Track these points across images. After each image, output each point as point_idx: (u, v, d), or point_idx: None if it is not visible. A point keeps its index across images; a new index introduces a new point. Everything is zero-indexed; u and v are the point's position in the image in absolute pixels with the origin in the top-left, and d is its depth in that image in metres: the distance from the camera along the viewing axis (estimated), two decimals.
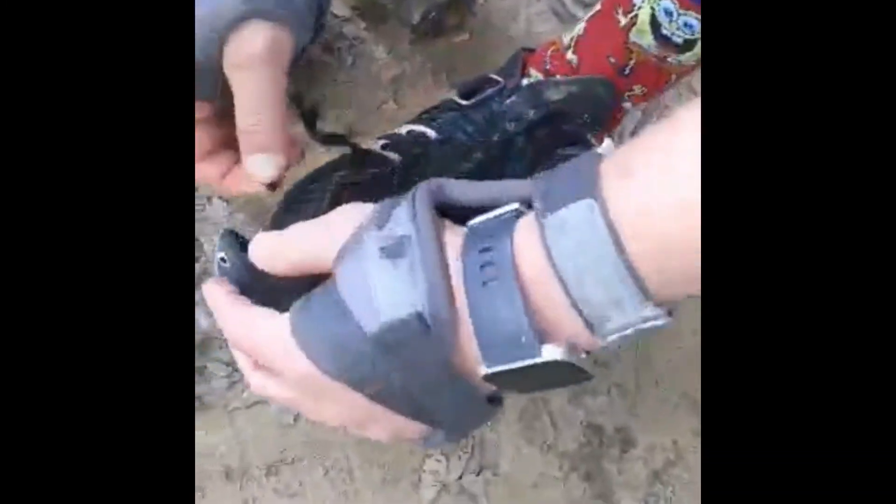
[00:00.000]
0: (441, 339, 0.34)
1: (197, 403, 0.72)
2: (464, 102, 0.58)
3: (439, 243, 0.35)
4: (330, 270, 0.38)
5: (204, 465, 0.70)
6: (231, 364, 0.73)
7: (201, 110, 0.45)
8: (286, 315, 0.38)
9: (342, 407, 0.38)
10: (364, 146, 0.53)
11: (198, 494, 0.70)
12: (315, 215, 0.40)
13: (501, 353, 0.33)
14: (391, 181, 0.50)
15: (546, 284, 0.33)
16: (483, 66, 0.90)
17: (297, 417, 0.73)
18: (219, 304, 0.41)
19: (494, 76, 0.61)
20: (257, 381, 0.41)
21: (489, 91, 0.59)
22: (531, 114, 0.56)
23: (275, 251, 0.40)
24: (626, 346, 0.85)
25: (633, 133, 0.90)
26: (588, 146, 0.59)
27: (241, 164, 0.45)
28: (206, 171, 0.47)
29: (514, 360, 0.33)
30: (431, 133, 0.55)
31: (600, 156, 0.34)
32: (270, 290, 0.40)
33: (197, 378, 0.72)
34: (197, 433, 0.71)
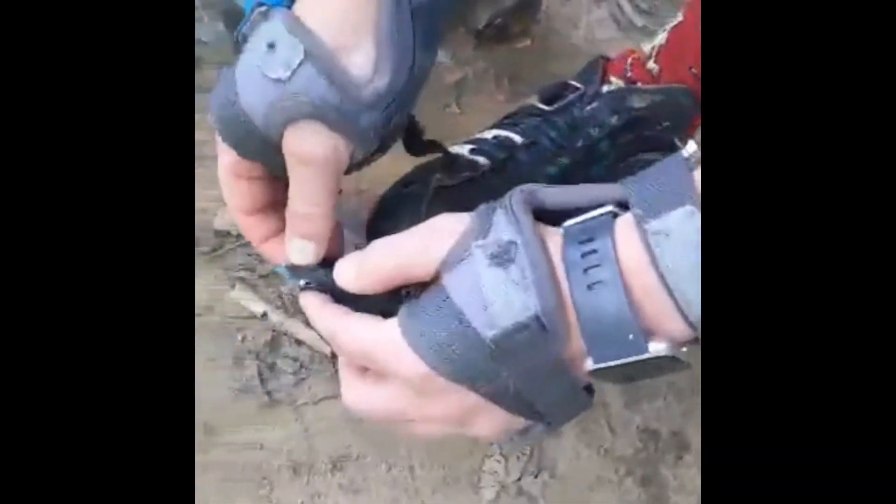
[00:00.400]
0: (555, 339, 0.36)
1: (266, 399, 0.73)
2: (546, 108, 0.59)
3: (543, 246, 0.36)
4: (421, 280, 0.40)
5: (272, 460, 0.72)
6: (299, 360, 0.75)
7: (258, 169, 0.46)
8: (392, 321, 0.39)
9: (451, 405, 0.39)
10: (451, 150, 0.55)
11: (266, 488, 0.71)
12: (413, 218, 0.41)
13: (608, 350, 0.35)
14: (481, 185, 0.52)
15: (648, 284, 0.34)
16: (545, 71, 0.91)
17: None
18: (323, 314, 0.43)
19: (574, 82, 0.62)
20: (358, 394, 0.42)
21: (571, 97, 0.60)
22: (614, 120, 0.57)
23: (364, 270, 0.42)
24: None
25: None
26: (670, 150, 0.60)
27: (284, 235, 0.46)
28: (250, 228, 0.48)
29: (621, 357, 0.35)
30: (517, 138, 0.57)
31: (688, 160, 0.36)
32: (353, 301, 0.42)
33: (267, 374, 0.74)
34: (266, 428, 0.73)
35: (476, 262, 0.36)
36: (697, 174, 0.34)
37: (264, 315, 0.74)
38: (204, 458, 0.71)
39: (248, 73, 0.42)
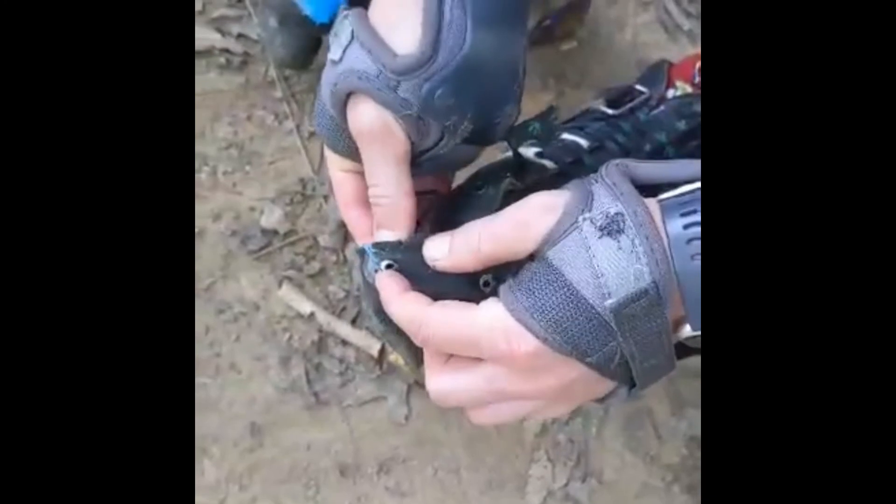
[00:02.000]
0: (667, 306, 0.37)
1: (312, 400, 0.73)
2: (611, 112, 0.59)
3: (650, 216, 0.37)
4: (519, 257, 0.40)
5: (319, 461, 0.71)
6: (345, 361, 0.74)
7: (347, 163, 0.46)
8: (489, 303, 0.39)
9: (555, 378, 0.40)
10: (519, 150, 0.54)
11: (312, 490, 0.71)
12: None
13: None
14: (548, 189, 0.51)
15: None
16: (590, 73, 0.91)
17: (408, 416, 0.74)
18: (406, 300, 0.41)
19: (639, 87, 0.61)
20: (446, 381, 0.42)
21: (637, 101, 0.59)
22: (682, 125, 0.56)
23: (458, 247, 0.41)
24: None
25: None
26: None
27: None
28: (351, 222, 0.48)
29: None
30: (583, 142, 0.56)
31: None
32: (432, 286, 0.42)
33: (313, 375, 0.73)
34: (312, 429, 0.72)
35: (584, 235, 0.37)
36: None
37: (311, 315, 0.74)
38: (251, 458, 0.70)
39: (325, 68, 0.43)
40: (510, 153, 0.50)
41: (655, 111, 0.58)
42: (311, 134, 0.80)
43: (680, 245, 0.36)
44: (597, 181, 0.39)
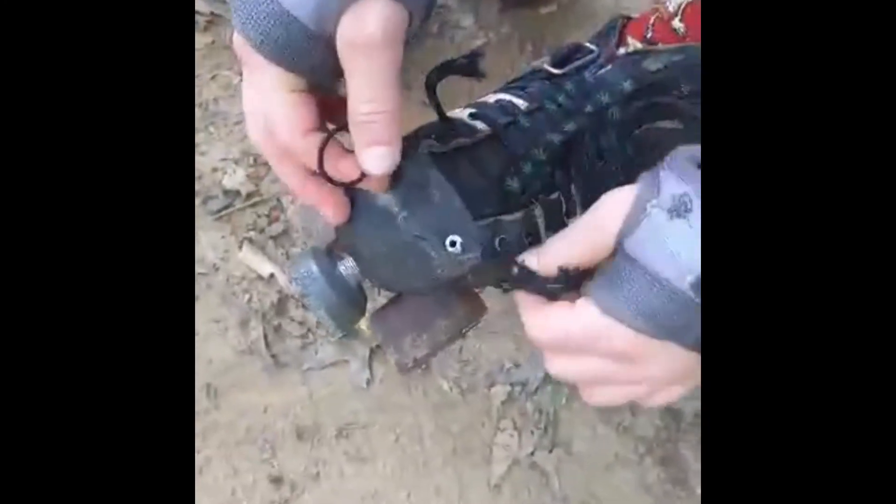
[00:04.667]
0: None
1: (272, 362, 0.71)
2: (555, 71, 0.55)
3: None
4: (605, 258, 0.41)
5: (276, 425, 0.70)
6: (306, 324, 0.73)
7: (302, 83, 0.42)
8: (582, 302, 0.41)
9: (665, 362, 0.41)
10: (450, 114, 0.51)
11: (268, 453, 0.69)
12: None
13: None
14: (478, 151, 0.48)
15: None
16: (570, 37, 0.88)
17: (370, 381, 0.73)
18: (524, 309, 0.44)
19: (588, 44, 0.58)
20: (560, 366, 0.44)
21: (583, 60, 0.56)
22: (627, 85, 0.53)
23: (546, 263, 0.44)
24: None
25: None
26: (686, 121, 0.57)
27: (346, 157, 0.42)
28: (307, 149, 0.42)
29: None
30: (521, 103, 0.52)
31: None
32: None
33: (272, 337, 0.72)
34: (270, 392, 0.71)
35: (655, 220, 0.38)
36: None
37: (272, 276, 0.72)
38: (206, 419, 0.69)
39: None
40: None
41: (602, 71, 0.55)
42: None
43: None
44: (664, 169, 0.40)
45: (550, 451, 0.75)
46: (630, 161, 0.52)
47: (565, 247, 0.43)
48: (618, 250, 0.40)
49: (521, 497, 0.73)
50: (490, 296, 0.79)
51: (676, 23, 0.57)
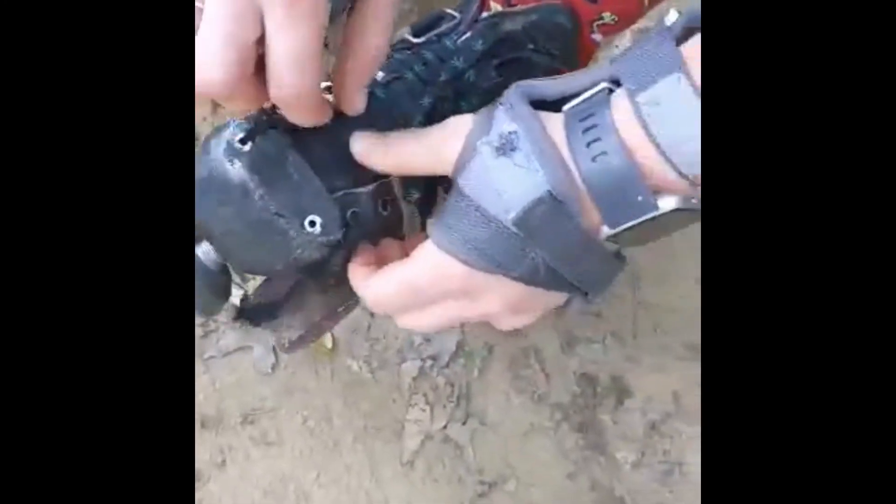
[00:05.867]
0: (570, 210, 0.38)
1: None
2: (415, 40, 0.55)
3: (543, 129, 0.38)
4: (438, 174, 0.42)
5: None
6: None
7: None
8: (418, 248, 0.42)
9: (500, 295, 0.42)
10: None
11: None
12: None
13: (622, 214, 0.38)
14: (334, 125, 0.47)
15: (648, 152, 0.36)
16: None
17: (275, 366, 0.72)
18: (358, 284, 0.45)
19: (451, 11, 0.57)
20: (412, 321, 0.44)
21: (444, 27, 0.55)
22: (478, 45, 0.53)
23: (378, 154, 0.45)
24: (621, 291, 0.82)
25: None
26: (547, 74, 0.56)
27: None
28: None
29: (634, 218, 0.37)
30: (378, 74, 0.52)
31: (670, 29, 0.37)
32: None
33: None
34: None
35: (484, 158, 0.39)
36: (689, 43, 0.36)
37: None
38: None
39: None
40: None
41: (463, 38, 0.54)
42: None
43: (581, 148, 0.37)
44: (498, 105, 0.40)
45: (464, 424, 0.75)
46: None
47: (407, 155, 0.44)
48: (453, 184, 0.41)
49: (436, 471, 0.73)
50: None
51: None
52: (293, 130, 0.46)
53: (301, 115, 0.42)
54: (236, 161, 0.43)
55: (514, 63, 0.55)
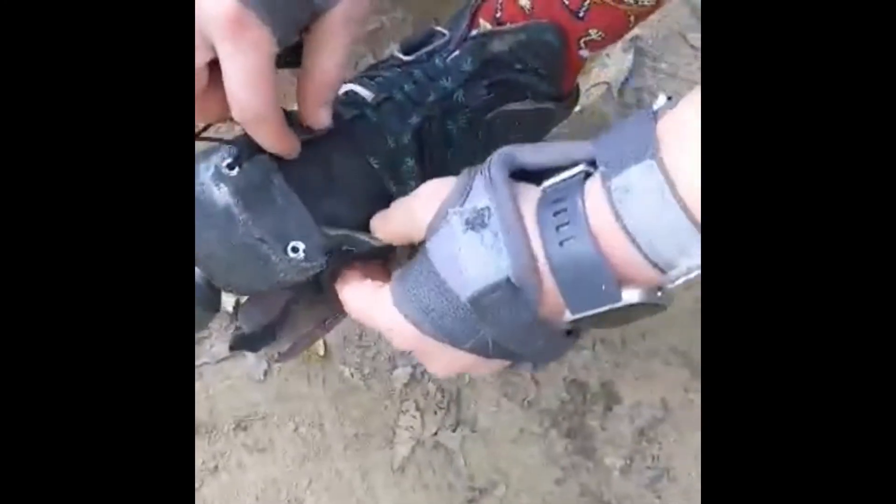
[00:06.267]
0: (528, 297, 0.38)
1: None
2: (405, 58, 0.55)
3: (517, 210, 0.38)
4: (417, 241, 0.43)
5: None
6: None
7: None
8: (384, 291, 0.43)
9: (446, 362, 0.43)
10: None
11: None
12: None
13: (584, 301, 0.37)
14: (323, 149, 0.48)
15: (617, 240, 0.36)
16: None
17: (267, 372, 0.73)
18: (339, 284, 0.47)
19: (441, 29, 0.58)
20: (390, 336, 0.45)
21: (433, 45, 0.56)
22: (466, 65, 0.53)
23: (384, 224, 0.46)
24: None
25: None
26: (539, 99, 0.56)
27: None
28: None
29: (596, 306, 0.37)
30: (366, 93, 0.52)
31: (655, 113, 0.37)
32: None
33: None
34: None
35: (453, 228, 0.39)
36: (660, 124, 0.36)
37: None
38: None
39: None
40: None
41: (452, 56, 0.55)
42: None
43: (550, 233, 0.37)
44: (480, 173, 0.40)
45: (454, 430, 0.75)
46: (484, 148, 0.51)
47: (381, 222, 0.45)
48: (423, 244, 0.42)
49: (426, 477, 0.73)
50: None
51: (523, 0, 0.57)
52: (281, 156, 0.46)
53: (265, 138, 0.43)
54: (222, 185, 0.44)
55: (502, 84, 0.56)
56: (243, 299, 0.69)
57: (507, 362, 0.44)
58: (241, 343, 0.51)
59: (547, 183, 0.40)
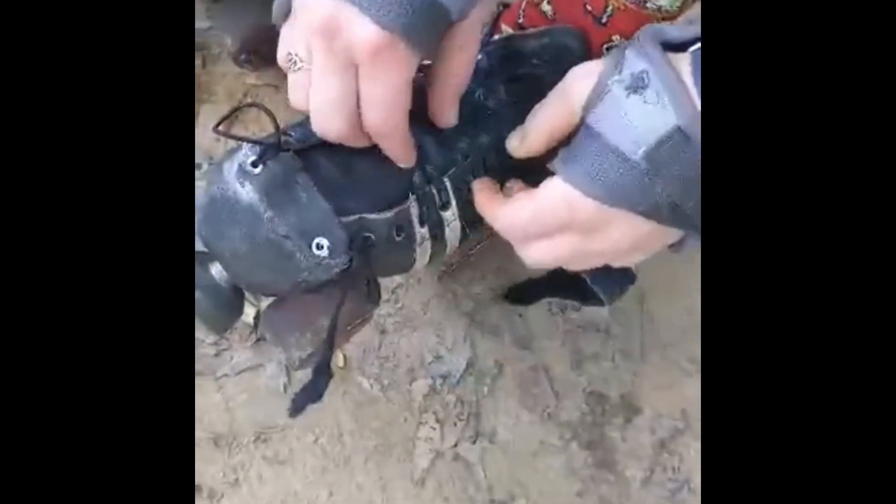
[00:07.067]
0: (696, 145, 0.39)
1: None
2: (427, 62, 0.55)
3: (672, 68, 0.40)
4: (574, 126, 0.44)
5: None
6: None
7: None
8: (546, 182, 0.44)
9: (624, 230, 0.43)
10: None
11: None
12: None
13: None
14: (342, 148, 0.48)
15: None
16: None
17: (287, 385, 0.73)
18: (480, 202, 0.48)
19: None
20: (538, 252, 0.46)
21: None
22: (482, 62, 0.53)
23: (530, 140, 0.47)
24: (629, 307, 0.83)
25: None
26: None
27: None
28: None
29: None
30: None
31: None
32: None
33: None
34: None
35: (615, 96, 0.41)
36: None
37: None
38: None
39: None
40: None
41: (477, 59, 0.55)
42: None
43: None
44: (629, 47, 0.41)
45: (474, 442, 0.75)
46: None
47: (541, 122, 0.46)
48: (581, 124, 0.43)
49: (446, 489, 0.73)
50: (407, 291, 0.79)
51: (545, 6, 0.57)
52: (305, 153, 0.47)
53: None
54: (247, 183, 0.44)
55: (522, 79, 0.56)
56: (263, 305, 0.70)
57: (679, 235, 0.45)
58: (306, 397, 0.51)
59: (693, 48, 0.41)
